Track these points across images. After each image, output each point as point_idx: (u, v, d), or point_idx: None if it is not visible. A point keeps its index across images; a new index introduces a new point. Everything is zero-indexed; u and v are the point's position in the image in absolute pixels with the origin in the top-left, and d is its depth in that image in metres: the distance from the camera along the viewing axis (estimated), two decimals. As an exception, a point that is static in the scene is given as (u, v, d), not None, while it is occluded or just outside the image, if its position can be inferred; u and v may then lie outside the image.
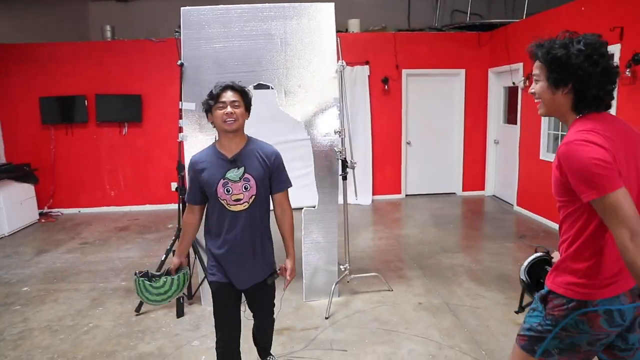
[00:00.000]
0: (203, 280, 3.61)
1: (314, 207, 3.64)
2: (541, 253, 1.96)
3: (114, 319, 3.55)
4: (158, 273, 2.40)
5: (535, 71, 1.56)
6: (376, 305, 3.67)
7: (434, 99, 7.41)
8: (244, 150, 2.20)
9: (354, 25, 7.39)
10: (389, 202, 7.30)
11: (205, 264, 3.54)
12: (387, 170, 7.41)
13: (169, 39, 6.43)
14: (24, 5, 7.22)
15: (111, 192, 7.17)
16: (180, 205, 3.68)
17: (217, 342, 2.36)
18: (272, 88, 3.58)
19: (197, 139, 3.51)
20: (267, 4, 3.53)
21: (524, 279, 1.91)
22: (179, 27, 3.51)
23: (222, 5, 3.51)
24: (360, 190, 4.61)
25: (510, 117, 6.97)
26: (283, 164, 2.31)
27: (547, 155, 5.78)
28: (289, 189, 2.38)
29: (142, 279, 2.35)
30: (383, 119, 7.24)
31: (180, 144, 3.57)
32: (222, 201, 2.16)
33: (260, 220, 2.25)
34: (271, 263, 2.36)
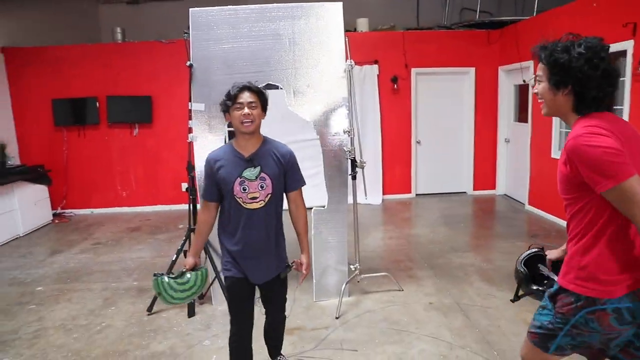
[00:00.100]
0: (214, 280, 3.63)
1: (324, 206, 3.64)
2: (536, 249, 1.97)
3: (126, 318, 3.59)
4: (174, 275, 2.39)
5: (539, 72, 1.61)
6: (386, 305, 3.66)
7: (443, 98, 7.37)
8: (260, 149, 2.26)
9: (362, 24, 7.38)
10: (399, 201, 7.27)
11: (217, 262, 3.57)
12: (397, 169, 7.39)
13: (178, 40, 6.46)
14: (36, 9, 7.31)
15: (123, 193, 7.25)
16: (191, 205, 3.70)
17: (230, 336, 2.42)
18: (281, 88, 3.59)
19: (206, 140, 3.53)
20: (275, 4, 3.54)
21: (522, 270, 1.91)
22: (188, 28, 3.53)
23: (230, 6, 3.52)
24: (370, 189, 4.61)
25: (521, 115, 6.91)
26: (297, 164, 2.38)
27: (558, 153, 5.71)
28: (302, 187, 2.43)
29: (166, 277, 2.34)
30: (392, 118, 7.22)
31: (190, 144, 3.59)
32: (238, 199, 2.21)
33: (275, 218, 2.31)
34: (284, 258, 2.42)
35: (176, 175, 6.97)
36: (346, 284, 3.71)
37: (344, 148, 3.61)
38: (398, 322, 3.38)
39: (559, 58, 1.52)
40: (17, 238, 5.90)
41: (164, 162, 7.13)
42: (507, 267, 4.35)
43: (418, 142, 7.41)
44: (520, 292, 1.96)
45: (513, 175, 7.16)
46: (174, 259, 3.64)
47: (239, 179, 2.19)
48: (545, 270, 1.89)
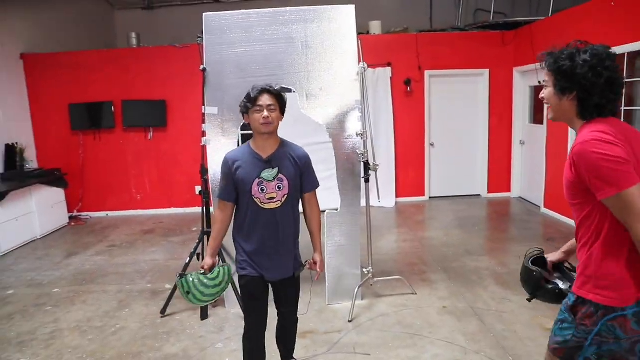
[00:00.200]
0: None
1: (337, 209, 3.63)
2: (537, 252, 1.95)
3: (140, 320, 3.61)
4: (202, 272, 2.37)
5: (545, 77, 1.65)
6: (400, 308, 3.64)
7: (457, 100, 7.31)
8: (278, 151, 2.31)
9: (375, 27, 7.36)
10: (413, 204, 7.23)
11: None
12: (410, 172, 7.35)
13: (192, 45, 6.54)
14: (53, 16, 7.46)
15: (137, 196, 7.33)
16: (204, 208, 3.72)
17: (244, 335, 2.45)
18: (293, 91, 3.59)
19: (219, 143, 3.55)
20: (287, 8, 3.55)
21: (535, 270, 1.87)
22: (202, 32, 3.56)
23: (243, 10, 3.55)
24: (383, 192, 4.59)
25: (537, 116, 6.82)
26: (312, 166, 2.43)
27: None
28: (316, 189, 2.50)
29: (194, 274, 2.32)
30: (406, 121, 7.19)
31: (204, 148, 3.61)
32: (255, 199, 2.25)
33: (292, 218, 2.36)
34: (299, 258, 2.47)
35: (190, 179, 7.02)
36: (359, 287, 3.69)
37: (357, 151, 3.60)
38: (411, 326, 3.35)
39: (563, 65, 1.55)
40: (34, 240, 6.00)
41: (178, 165, 7.19)
42: (523, 271, 4.28)
43: (432, 145, 7.36)
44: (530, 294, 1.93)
45: (528, 178, 7.07)
46: (187, 261, 3.67)
47: (257, 180, 2.24)
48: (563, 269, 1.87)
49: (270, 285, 2.42)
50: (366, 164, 3.61)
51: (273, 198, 2.26)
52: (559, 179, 5.91)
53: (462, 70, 7.15)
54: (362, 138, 3.60)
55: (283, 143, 2.36)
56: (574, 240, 1.82)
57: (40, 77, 6.93)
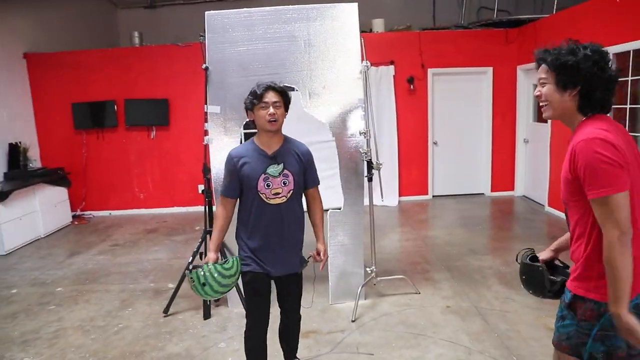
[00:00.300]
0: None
1: (340, 208, 3.62)
2: (530, 252, 1.97)
3: (143, 319, 3.61)
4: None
5: (542, 75, 1.64)
6: (403, 308, 3.62)
7: (460, 98, 7.27)
8: (283, 147, 2.34)
9: (378, 25, 7.34)
10: (416, 203, 7.20)
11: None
12: (414, 170, 7.32)
13: (195, 44, 6.51)
14: (56, 15, 7.47)
15: (140, 195, 7.33)
16: (207, 207, 3.72)
17: (246, 332, 2.45)
18: (296, 90, 3.58)
19: (222, 142, 3.54)
20: (290, 6, 3.53)
21: (539, 265, 1.87)
22: (204, 31, 3.55)
23: (245, 9, 3.53)
24: (386, 191, 4.56)
25: (541, 115, 6.75)
26: (314, 162, 2.47)
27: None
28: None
29: (209, 264, 2.29)
30: (409, 119, 7.16)
31: (206, 147, 3.60)
32: (261, 195, 2.27)
33: (296, 214, 2.39)
34: (301, 253, 2.49)
35: (193, 178, 7.01)
36: (362, 287, 3.68)
37: (360, 150, 3.58)
38: (415, 325, 3.34)
39: (567, 60, 1.55)
40: (38, 239, 6.01)
41: (181, 164, 7.19)
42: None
43: (435, 143, 7.33)
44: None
45: (532, 176, 7.03)
46: (190, 260, 3.66)
47: (263, 175, 2.26)
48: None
49: (273, 283, 2.43)
50: (369, 163, 3.59)
51: (278, 193, 2.28)
52: (563, 178, 5.89)
53: (466, 69, 7.12)
54: (365, 136, 3.58)
55: (286, 139, 2.39)
56: (562, 238, 1.90)
57: (43, 77, 6.93)
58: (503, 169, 7.38)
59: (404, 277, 3.96)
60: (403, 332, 3.25)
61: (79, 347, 3.22)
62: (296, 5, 3.54)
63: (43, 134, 7.06)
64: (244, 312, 2.49)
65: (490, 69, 7.12)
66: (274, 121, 2.24)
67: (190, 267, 2.32)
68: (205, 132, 3.58)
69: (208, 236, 3.52)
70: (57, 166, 6.76)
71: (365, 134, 3.57)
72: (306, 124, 4.64)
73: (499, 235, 5.53)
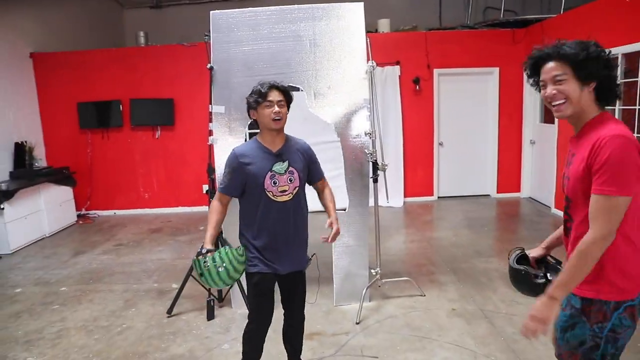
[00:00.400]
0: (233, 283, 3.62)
1: (345, 209, 3.59)
2: (519, 251, 1.97)
3: (146, 320, 3.60)
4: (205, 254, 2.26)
5: (557, 72, 1.58)
6: (408, 310, 3.59)
7: (466, 99, 7.22)
8: (286, 145, 2.37)
9: (384, 25, 7.31)
10: (421, 204, 7.16)
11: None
12: (419, 171, 7.28)
13: (200, 43, 6.52)
14: (62, 15, 7.49)
15: (145, 195, 7.33)
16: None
17: (249, 332, 2.45)
18: (301, 90, 3.56)
19: (226, 142, 3.52)
20: (295, 5, 3.51)
21: (521, 268, 1.89)
22: (209, 31, 3.53)
23: (250, 8, 3.51)
24: (391, 192, 4.54)
25: (547, 116, 6.72)
26: (316, 156, 2.52)
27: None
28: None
29: (228, 247, 2.27)
30: (414, 120, 7.12)
31: (211, 147, 3.59)
32: (268, 193, 2.28)
33: (302, 210, 2.41)
34: (307, 251, 2.51)
35: (197, 178, 7.01)
36: (367, 289, 3.65)
37: (366, 150, 3.55)
38: (420, 328, 3.30)
39: (592, 52, 1.53)
40: (43, 238, 6.02)
41: (186, 164, 7.19)
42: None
43: (440, 144, 7.28)
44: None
45: (538, 178, 6.97)
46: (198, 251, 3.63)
47: (269, 173, 2.28)
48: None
49: (277, 283, 2.43)
50: (375, 164, 3.56)
51: (285, 191, 2.30)
52: (570, 179, 5.83)
53: (472, 69, 7.07)
54: (370, 137, 3.55)
55: (288, 137, 2.42)
56: (553, 235, 1.93)
57: (49, 76, 6.95)
58: (509, 171, 7.32)
59: (409, 279, 3.93)
60: (408, 335, 3.22)
61: (82, 348, 3.21)
62: (302, 5, 3.52)
63: (49, 134, 7.08)
64: (247, 312, 2.47)
65: (496, 70, 7.06)
66: (279, 119, 2.26)
67: (204, 250, 2.26)
68: (210, 132, 3.56)
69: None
70: (62, 165, 6.77)
71: (370, 134, 3.54)
72: (311, 124, 4.62)
73: (505, 237, 5.48)
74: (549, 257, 1.92)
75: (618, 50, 4.74)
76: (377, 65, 3.67)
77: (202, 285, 3.63)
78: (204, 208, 6.69)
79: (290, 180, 2.31)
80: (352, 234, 3.62)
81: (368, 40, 3.57)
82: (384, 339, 3.17)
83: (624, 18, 4.72)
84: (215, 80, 3.52)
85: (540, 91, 1.69)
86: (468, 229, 5.70)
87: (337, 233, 2.38)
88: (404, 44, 6.98)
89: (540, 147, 6.85)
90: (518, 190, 7.37)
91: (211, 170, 3.62)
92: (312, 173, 2.47)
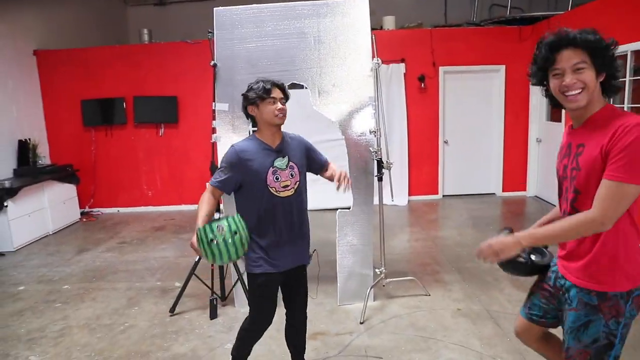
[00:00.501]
0: (236, 282, 3.60)
1: (349, 208, 3.55)
2: (508, 232, 1.92)
3: (149, 318, 3.58)
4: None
5: (577, 59, 1.51)
6: (413, 310, 3.55)
7: (472, 97, 7.16)
8: (285, 141, 2.38)
9: (389, 22, 7.25)
10: (426, 202, 7.11)
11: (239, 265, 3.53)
12: (424, 170, 7.23)
13: (204, 41, 6.46)
14: (66, 12, 7.48)
15: (148, 192, 7.32)
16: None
17: (250, 331, 2.43)
18: (306, 87, 3.52)
19: (230, 140, 3.47)
20: (299, 2, 3.47)
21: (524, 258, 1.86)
22: (213, 28, 3.50)
23: (254, 5, 3.48)
24: (396, 190, 4.50)
25: (554, 114, 6.65)
26: (312, 145, 2.53)
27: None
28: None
29: (231, 217, 2.21)
30: (419, 118, 7.07)
31: (214, 144, 3.56)
32: (271, 188, 2.28)
33: (303, 205, 2.42)
34: (309, 246, 2.53)
35: (201, 175, 6.98)
36: (371, 288, 3.61)
37: (370, 149, 3.51)
38: (425, 328, 3.27)
39: (610, 42, 1.52)
40: (46, 236, 6.02)
41: (189, 162, 7.17)
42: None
43: (445, 142, 7.23)
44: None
45: (545, 176, 6.90)
46: (197, 259, 3.62)
47: (271, 169, 2.28)
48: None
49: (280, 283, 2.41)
50: (379, 162, 3.52)
51: (287, 186, 2.31)
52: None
53: (478, 67, 7.00)
54: (375, 135, 3.51)
55: (285, 133, 2.42)
56: (542, 220, 1.95)
57: (52, 74, 6.94)
58: (515, 169, 7.26)
59: (414, 279, 3.89)
60: (413, 335, 3.18)
61: (84, 346, 3.20)
62: (306, 1, 3.48)
63: (52, 131, 7.08)
64: (254, 306, 2.43)
65: (502, 67, 6.99)
66: (282, 116, 2.28)
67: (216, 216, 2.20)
68: (213, 130, 3.53)
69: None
70: (66, 163, 6.77)
71: (375, 132, 3.50)
72: (315, 122, 4.60)
73: (511, 237, 5.43)
74: None
75: (627, 48, 4.68)
76: (382, 62, 3.63)
77: (204, 282, 3.60)
78: (208, 206, 6.66)
79: (292, 175, 2.33)
80: (356, 233, 3.58)
81: (373, 37, 3.53)
82: (388, 339, 3.14)
83: (633, 15, 4.65)
84: (218, 77, 3.49)
85: (541, 84, 1.65)
86: (473, 228, 5.65)
87: (344, 175, 2.41)
88: (409, 42, 6.93)
89: (547, 145, 6.79)
90: (524, 188, 7.31)
91: (214, 168, 3.58)
92: (314, 161, 2.49)
